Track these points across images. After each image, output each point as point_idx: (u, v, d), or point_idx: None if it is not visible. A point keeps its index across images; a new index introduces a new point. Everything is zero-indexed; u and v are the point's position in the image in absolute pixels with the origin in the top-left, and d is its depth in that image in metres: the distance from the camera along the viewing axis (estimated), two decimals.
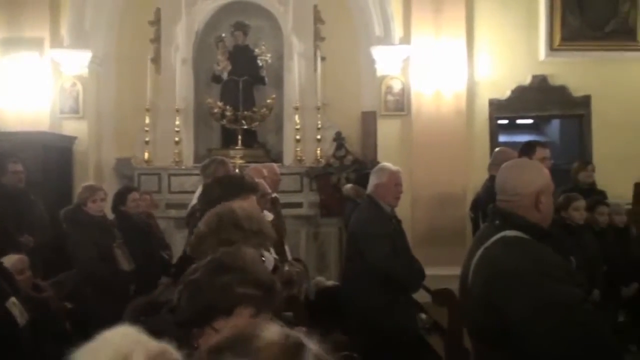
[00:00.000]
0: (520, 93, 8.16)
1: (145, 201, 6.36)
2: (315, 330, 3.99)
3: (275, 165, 6.23)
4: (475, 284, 2.25)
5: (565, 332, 1.97)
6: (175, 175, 7.88)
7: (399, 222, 4.52)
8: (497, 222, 2.30)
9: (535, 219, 2.25)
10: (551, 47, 8.11)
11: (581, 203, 5.25)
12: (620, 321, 6.10)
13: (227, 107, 7.98)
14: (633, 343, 5.98)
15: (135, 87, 8.01)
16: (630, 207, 6.73)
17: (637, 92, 8.16)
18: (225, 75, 8.24)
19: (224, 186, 2.95)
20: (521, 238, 2.19)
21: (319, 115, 7.97)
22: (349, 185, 7.17)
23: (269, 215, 4.59)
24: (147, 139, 7.95)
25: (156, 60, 8.23)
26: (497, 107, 8.16)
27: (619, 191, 6.95)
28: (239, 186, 2.93)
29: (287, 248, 5.30)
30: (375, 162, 6.55)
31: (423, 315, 5.30)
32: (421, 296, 5.13)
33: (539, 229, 2.24)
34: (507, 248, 2.18)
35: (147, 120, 7.94)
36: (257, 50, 8.29)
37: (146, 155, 7.98)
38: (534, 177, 2.30)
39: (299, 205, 7.80)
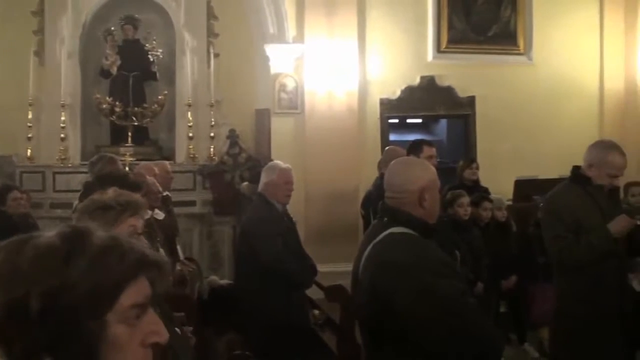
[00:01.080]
0: (409, 93, 8.41)
1: (23, 200, 6.05)
2: (208, 330, 3.94)
3: (167, 163, 6.12)
4: (364, 280, 2.32)
5: (447, 325, 2.06)
6: (60, 173, 7.55)
7: (290, 220, 4.55)
8: (386, 219, 2.37)
9: (421, 215, 2.33)
10: (438, 50, 8.42)
11: (465, 200, 5.48)
12: (502, 312, 6.43)
13: (117, 102, 7.73)
14: (513, 333, 6.32)
15: (17, 81, 7.60)
16: (510, 203, 7.10)
17: (518, 94, 8.61)
18: (114, 70, 7.98)
19: (105, 184, 2.84)
20: (407, 234, 2.27)
21: (212, 112, 7.88)
22: (245, 184, 7.15)
23: (160, 214, 4.51)
24: (29, 135, 7.58)
25: (40, 52, 7.85)
26: (387, 107, 8.37)
27: (501, 188, 7.30)
28: (121, 184, 2.83)
29: (179, 247, 5.21)
30: (269, 160, 6.56)
31: (316, 312, 5.36)
32: (314, 292, 5.19)
33: (424, 225, 2.32)
34: (393, 244, 2.26)
35: (30, 116, 7.57)
36: (148, 45, 8.08)
37: (29, 152, 7.61)
38: (418, 174, 2.38)
39: (192, 203, 7.68)
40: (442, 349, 2.07)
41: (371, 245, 2.32)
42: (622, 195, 6.25)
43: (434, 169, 2.51)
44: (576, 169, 3.78)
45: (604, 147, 3.68)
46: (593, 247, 3.54)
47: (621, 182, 5.98)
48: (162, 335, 1.02)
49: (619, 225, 3.55)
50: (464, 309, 2.09)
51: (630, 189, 6.40)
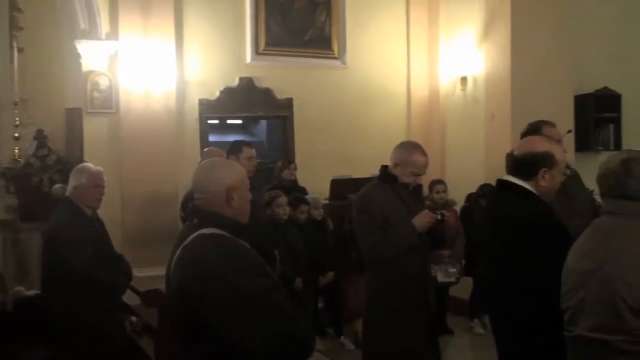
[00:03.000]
0: (228, 94, 8.40)
1: None
2: (16, 345, 3.67)
3: None
4: (174, 282, 2.29)
5: (255, 323, 2.09)
6: None
7: (102, 224, 4.37)
8: (196, 220, 2.36)
9: (230, 215, 2.35)
10: (256, 52, 8.50)
11: (283, 200, 5.62)
12: (320, 307, 6.66)
13: None
14: (330, 326, 6.56)
15: None
16: (327, 201, 7.36)
17: (334, 96, 8.92)
18: None
19: None
20: (216, 234, 2.27)
21: (16, 112, 7.31)
22: (58, 186, 6.73)
23: None
24: None
25: None
26: (206, 107, 8.30)
27: (318, 187, 7.56)
28: None
29: None
30: (81, 162, 6.22)
31: (133, 318, 5.20)
32: (131, 298, 5.02)
33: (234, 225, 2.34)
34: (201, 244, 2.25)
35: None
36: None
37: None
38: (224, 174, 2.39)
39: None
40: (251, 347, 2.09)
41: (181, 247, 2.30)
42: (428, 192, 6.75)
43: (242, 169, 2.53)
44: (384, 168, 4.00)
45: (408, 148, 3.94)
46: (400, 241, 3.78)
47: (427, 180, 6.48)
48: None
49: (422, 220, 3.81)
50: (272, 306, 2.12)
51: (435, 186, 6.88)
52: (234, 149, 5.09)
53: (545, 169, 2.84)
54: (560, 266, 2.50)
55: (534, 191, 2.85)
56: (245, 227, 2.38)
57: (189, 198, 5.56)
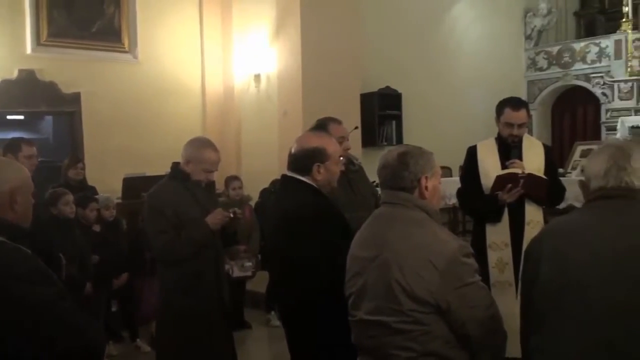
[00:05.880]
0: (6, 87, 7.77)
1: None
2: None
3: None
4: None
5: (39, 335, 1.94)
6: None
7: None
8: None
9: (11, 219, 2.17)
10: (38, 42, 7.95)
11: (69, 197, 5.31)
12: (114, 310, 6.41)
13: None
14: (125, 330, 6.35)
15: None
16: (120, 200, 7.08)
17: (125, 91, 8.62)
18: None
19: None
20: None
21: None
22: None
23: None
24: None
25: None
26: None
27: (110, 186, 7.24)
28: None
29: None
30: None
31: None
32: None
33: (15, 229, 2.15)
34: None
35: None
36: None
37: None
38: (8, 175, 2.20)
39: None
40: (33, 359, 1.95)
41: None
42: (224, 188, 6.76)
43: (27, 170, 2.35)
44: (176, 165, 3.93)
45: (199, 145, 3.90)
46: (193, 240, 3.73)
47: (222, 176, 6.48)
48: None
49: (215, 218, 3.80)
50: (57, 316, 1.99)
51: (231, 182, 6.89)
52: (11, 147, 4.75)
53: (318, 164, 2.96)
54: (338, 255, 2.62)
55: (313, 184, 2.97)
56: (27, 232, 2.21)
57: None
